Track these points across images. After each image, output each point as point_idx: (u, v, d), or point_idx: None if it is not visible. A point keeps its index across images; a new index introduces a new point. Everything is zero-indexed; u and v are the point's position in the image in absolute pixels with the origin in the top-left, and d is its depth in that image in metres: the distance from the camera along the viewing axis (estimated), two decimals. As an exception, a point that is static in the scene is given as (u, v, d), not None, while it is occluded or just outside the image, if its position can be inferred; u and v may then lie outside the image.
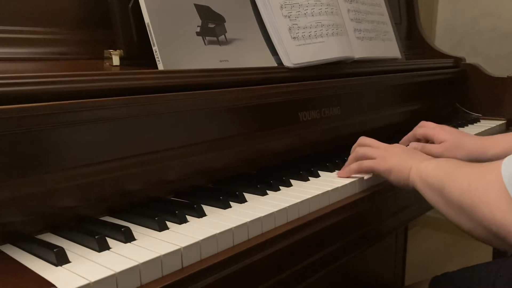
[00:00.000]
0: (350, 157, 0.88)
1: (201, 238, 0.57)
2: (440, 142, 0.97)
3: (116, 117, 0.66)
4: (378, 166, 0.83)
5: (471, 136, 1.00)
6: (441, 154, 0.94)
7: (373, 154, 0.84)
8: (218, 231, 0.59)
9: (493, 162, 0.64)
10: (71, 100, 0.60)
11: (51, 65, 0.74)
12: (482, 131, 1.29)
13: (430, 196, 0.74)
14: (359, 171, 0.84)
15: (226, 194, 0.71)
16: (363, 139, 0.89)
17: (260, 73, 0.89)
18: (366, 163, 0.84)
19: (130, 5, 0.79)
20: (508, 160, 0.60)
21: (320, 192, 0.75)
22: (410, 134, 1.04)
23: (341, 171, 0.85)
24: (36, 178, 0.59)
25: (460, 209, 0.66)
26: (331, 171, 0.88)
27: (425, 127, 1.03)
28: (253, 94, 0.85)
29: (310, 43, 0.99)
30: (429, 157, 0.81)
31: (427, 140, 1.01)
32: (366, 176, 0.85)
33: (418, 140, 1.02)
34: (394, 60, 1.27)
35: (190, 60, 0.80)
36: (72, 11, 0.80)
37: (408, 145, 1.02)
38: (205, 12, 0.85)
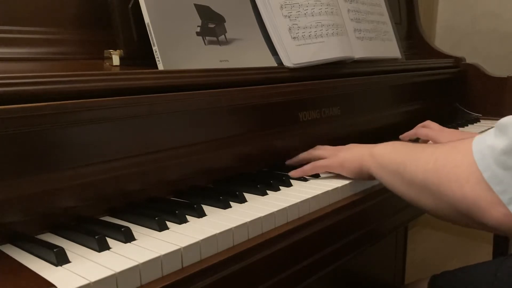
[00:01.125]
0: (302, 157, 0.90)
1: (201, 238, 0.57)
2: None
3: (116, 117, 0.66)
4: (330, 163, 0.85)
5: (468, 133, 1.02)
6: None
7: (325, 154, 0.87)
8: (218, 231, 0.59)
9: (460, 141, 0.63)
10: (71, 100, 0.60)
11: (51, 65, 0.74)
12: (482, 131, 1.29)
13: (387, 179, 0.74)
14: (313, 171, 0.85)
15: (226, 194, 0.71)
16: (317, 146, 0.92)
17: (260, 73, 0.89)
18: (319, 162, 0.86)
19: (130, 5, 0.79)
20: (479, 137, 0.60)
21: (320, 192, 0.75)
22: (412, 131, 1.05)
23: (294, 171, 0.84)
24: (36, 178, 0.59)
25: (424, 188, 0.65)
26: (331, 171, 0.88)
27: (429, 128, 1.03)
28: (253, 94, 0.85)
29: (310, 43, 0.99)
30: (380, 144, 0.82)
31: (427, 141, 1.02)
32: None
33: (418, 139, 1.03)
34: (394, 60, 1.27)
35: (190, 60, 0.80)
36: (72, 11, 0.80)
37: (408, 141, 1.04)
38: (205, 12, 0.85)
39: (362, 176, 0.81)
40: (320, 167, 0.85)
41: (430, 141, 1.01)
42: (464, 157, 0.60)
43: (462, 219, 0.62)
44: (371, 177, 0.79)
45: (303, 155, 0.91)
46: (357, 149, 0.83)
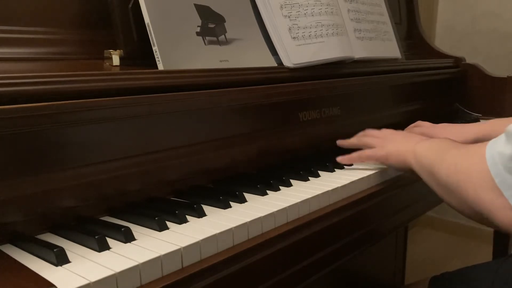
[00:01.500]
0: (350, 143, 0.94)
1: (201, 238, 0.57)
2: None
3: (116, 117, 0.66)
4: (376, 154, 0.87)
5: (464, 124, 1.04)
6: None
7: (373, 143, 0.89)
8: (218, 231, 0.59)
9: (477, 144, 0.66)
10: (71, 100, 0.60)
11: (51, 65, 0.74)
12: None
13: (424, 176, 0.77)
14: (359, 160, 0.89)
15: (226, 194, 0.71)
16: (368, 130, 0.95)
17: (260, 73, 0.89)
18: (366, 152, 0.88)
19: (130, 5, 0.79)
20: (492, 142, 0.62)
21: (320, 192, 0.75)
22: (412, 125, 1.07)
23: (341, 157, 0.89)
24: (36, 178, 0.59)
25: (449, 190, 0.68)
26: (331, 171, 0.88)
27: (422, 127, 1.05)
28: (253, 94, 0.85)
29: (310, 43, 0.99)
30: (425, 138, 0.85)
31: None
32: (366, 176, 0.85)
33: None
34: (394, 60, 1.27)
35: (190, 60, 0.80)
36: (72, 11, 0.80)
37: None
38: (205, 12, 0.85)
39: (405, 170, 0.83)
40: (366, 157, 0.88)
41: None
42: (478, 162, 0.62)
43: (482, 220, 0.64)
44: (412, 172, 0.81)
45: (352, 141, 0.94)
46: (402, 141, 0.85)
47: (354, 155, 0.89)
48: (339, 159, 0.89)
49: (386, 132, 0.92)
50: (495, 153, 0.60)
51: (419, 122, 1.09)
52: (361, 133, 0.95)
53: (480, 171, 0.61)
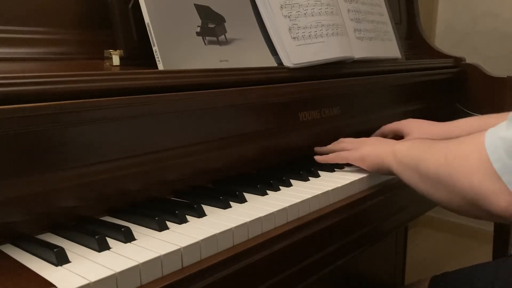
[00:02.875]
0: (328, 149, 0.96)
1: (201, 238, 0.57)
2: (408, 135, 1.02)
3: (116, 117, 0.66)
4: (352, 155, 0.89)
5: (437, 123, 1.05)
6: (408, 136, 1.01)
7: (348, 147, 0.92)
8: (218, 231, 0.59)
9: (471, 135, 0.66)
10: (71, 100, 0.60)
11: (51, 65, 0.74)
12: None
13: (406, 175, 0.76)
14: (335, 160, 0.90)
15: (226, 194, 0.71)
16: (341, 139, 0.98)
17: (260, 73, 0.89)
18: (342, 154, 0.90)
19: (130, 5, 0.79)
20: (492, 129, 0.62)
21: (320, 192, 0.75)
22: (378, 132, 1.10)
23: (318, 156, 0.92)
24: (36, 178, 0.59)
25: (438, 182, 0.68)
26: (331, 171, 0.88)
27: (391, 124, 1.09)
28: (253, 94, 0.85)
29: (310, 43, 0.99)
30: (400, 141, 0.86)
31: (396, 136, 1.06)
32: (366, 176, 0.85)
33: (385, 136, 1.07)
34: (394, 60, 1.27)
35: (190, 60, 0.80)
36: (72, 11, 0.80)
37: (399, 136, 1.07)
38: (205, 12, 0.85)
39: (382, 171, 0.84)
40: (341, 158, 0.90)
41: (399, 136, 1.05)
42: (474, 149, 0.62)
43: (472, 210, 0.64)
44: (390, 173, 0.82)
45: (330, 146, 0.96)
46: (379, 145, 0.86)
47: (330, 156, 0.91)
48: (317, 157, 0.92)
49: (362, 138, 0.94)
50: (496, 139, 0.60)
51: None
52: (336, 141, 0.98)
53: (477, 158, 0.61)
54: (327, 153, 0.94)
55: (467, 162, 0.63)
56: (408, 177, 0.76)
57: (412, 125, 1.04)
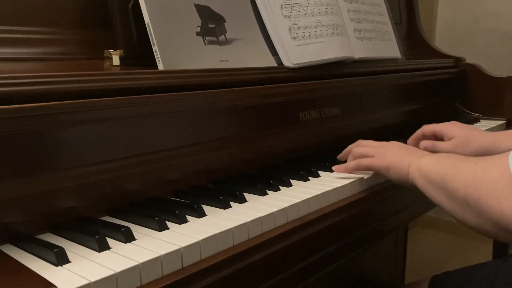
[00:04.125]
0: (347, 155, 0.89)
1: (201, 238, 0.57)
2: (450, 139, 0.95)
3: (116, 117, 0.66)
4: (376, 163, 0.82)
5: (482, 131, 0.98)
6: (452, 151, 0.92)
7: (371, 152, 0.84)
8: (218, 231, 0.59)
9: (499, 155, 0.63)
10: (71, 100, 0.60)
11: (51, 65, 0.74)
12: (488, 129, 1.29)
13: (431, 192, 0.72)
14: (357, 169, 0.84)
15: (226, 194, 0.71)
16: (361, 141, 0.90)
17: (260, 73, 0.89)
18: (364, 161, 0.84)
19: (130, 5, 0.79)
20: None
21: (320, 192, 0.75)
22: (418, 132, 1.02)
23: (338, 166, 0.86)
24: (36, 178, 0.59)
25: (466, 204, 0.64)
26: (331, 171, 0.88)
27: (434, 124, 1.00)
28: (253, 94, 0.85)
29: (310, 43, 0.99)
30: (428, 153, 0.81)
31: (436, 138, 0.99)
32: (366, 176, 0.85)
33: (426, 137, 1.00)
34: (394, 60, 1.27)
35: (190, 60, 0.80)
36: (72, 11, 0.80)
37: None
38: (205, 12, 0.85)
39: (406, 184, 0.79)
40: (365, 166, 0.84)
41: (439, 138, 0.98)
42: (502, 174, 0.59)
43: (504, 236, 0.61)
44: (414, 186, 0.77)
45: (348, 150, 0.89)
46: (403, 155, 0.81)
47: (351, 164, 0.85)
48: (335, 168, 0.86)
49: (382, 142, 0.88)
50: None
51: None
52: (354, 143, 0.90)
53: (506, 184, 0.58)
54: (345, 158, 0.88)
55: (496, 188, 0.59)
56: (434, 194, 0.72)
57: (455, 129, 0.96)
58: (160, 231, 0.60)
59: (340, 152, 0.93)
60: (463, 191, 0.64)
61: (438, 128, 0.98)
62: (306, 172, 0.84)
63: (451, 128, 0.97)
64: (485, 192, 0.60)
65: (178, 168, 0.75)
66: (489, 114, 1.49)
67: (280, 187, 0.78)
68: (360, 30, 1.14)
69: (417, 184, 0.76)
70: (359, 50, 1.11)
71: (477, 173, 0.63)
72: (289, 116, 0.94)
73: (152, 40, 0.77)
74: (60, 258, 0.51)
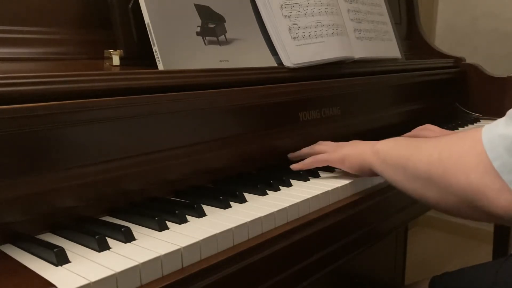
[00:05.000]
0: (304, 152, 0.90)
1: (201, 238, 0.57)
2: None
3: (116, 117, 0.66)
4: (331, 157, 0.84)
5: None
6: None
7: (327, 149, 0.87)
8: (218, 231, 0.59)
9: (468, 131, 0.64)
10: (71, 100, 0.60)
11: (51, 65, 0.74)
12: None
13: (390, 174, 0.74)
14: (313, 164, 0.85)
15: (226, 194, 0.71)
16: (319, 142, 0.92)
17: (260, 73, 0.89)
18: (320, 156, 0.85)
19: (130, 5, 0.79)
20: (489, 126, 0.61)
21: (320, 192, 0.75)
22: (411, 133, 1.05)
23: (294, 164, 0.86)
24: (36, 178, 0.59)
25: (429, 181, 0.65)
26: (331, 171, 0.88)
27: (429, 130, 1.03)
28: (253, 94, 0.85)
29: (310, 43, 0.99)
30: (384, 140, 0.81)
31: None
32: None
33: None
34: (394, 60, 1.27)
35: (190, 60, 0.80)
36: (72, 11, 0.80)
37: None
38: (205, 12, 0.85)
39: (364, 172, 0.80)
40: (320, 161, 0.85)
41: None
42: (472, 147, 0.60)
43: (467, 210, 0.62)
44: (373, 173, 0.79)
45: (305, 150, 0.91)
46: (359, 146, 0.83)
47: (307, 160, 0.86)
48: (292, 166, 0.86)
49: (341, 142, 0.89)
50: (494, 136, 0.58)
51: (427, 126, 1.06)
52: (314, 144, 0.92)
53: (475, 155, 0.59)
54: (302, 157, 0.88)
55: (464, 160, 0.60)
56: (393, 177, 0.73)
57: (435, 129, 1.01)
58: (160, 231, 0.60)
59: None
60: (426, 168, 0.65)
61: (430, 135, 1.00)
62: (306, 172, 0.84)
63: (432, 128, 1.02)
64: (452, 166, 0.62)
65: (178, 168, 0.75)
66: (489, 114, 1.49)
67: (280, 187, 0.78)
68: (360, 30, 1.14)
69: (375, 168, 0.77)
70: (359, 50, 1.11)
71: (443, 150, 0.64)
72: (289, 116, 0.94)
73: (152, 40, 0.77)
74: (60, 258, 0.51)
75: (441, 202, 0.65)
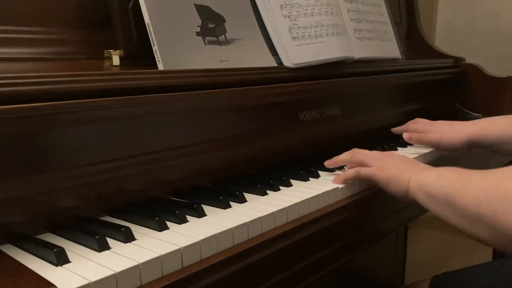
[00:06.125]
0: (344, 159, 0.86)
1: (201, 238, 0.57)
2: (439, 143, 1.01)
3: (116, 117, 0.66)
4: (376, 175, 0.80)
5: (461, 122, 1.03)
6: (440, 140, 1.00)
7: (370, 163, 0.82)
8: (218, 231, 0.59)
9: (504, 168, 0.62)
10: (71, 100, 0.60)
11: (51, 65, 0.74)
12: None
13: (436, 208, 0.71)
14: (355, 178, 0.82)
15: (226, 194, 0.71)
16: (356, 149, 0.88)
17: (260, 73, 0.89)
18: (364, 171, 0.81)
19: (130, 5, 0.79)
20: None
21: (320, 192, 0.75)
22: (403, 126, 1.09)
23: (337, 177, 0.82)
24: (36, 178, 0.59)
25: (478, 220, 0.63)
26: (331, 171, 0.88)
27: (419, 123, 1.07)
28: (253, 94, 0.85)
29: (310, 43, 0.99)
30: (427, 166, 0.79)
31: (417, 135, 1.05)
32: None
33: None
34: (394, 60, 1.27)
35: (190, 60, 0.80)
36: (72, 11, 0.80)
37: (400, 135, 1.07)
38: (205, 12, 0.85)
39: (405, 199, 0.77)
40: (364, 175, 0.81)
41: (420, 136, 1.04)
42: None
43: None
44: (414, 202, 0.76)
45: (343, 157, 0.86)
46: (403, 167, 0.79)
47: (350, 172, 0.81)
48: (335, 178, 0.82)
49: (380, 153, 0.85)
50: None
51: (417, 119, 1.10)
52: (351, 151, 0.87)
53: None
54: (339, 165, 0.87)
55: (510, 201, 0.58)
56: (439, 210, 0.71)
57: (437, 125, 1.02)
58: (160, 231, 0.60)
59: (341, 152, 0.92)
60: (475, 208, 0.63)
61: (420, 127, 1.05)
62: (306, 172, 0.84)
63: (433, 124, 1.04)
64: (501, 209, 0.59)
65: (178, 168, 0.75)
66: (489, 114, 1.48)
67: (280, 187, 0.78)
68: (360, 30, 1.14)
69: (419, 200, 0.74)
70: (359, 50, 1.11)
71: (488, 188, 0.61)
72: (289, 116, 0.94)
73: (152, 40, 0.77)
74: (60, 258, 0.51)
75: (495, 241, 0.63)
